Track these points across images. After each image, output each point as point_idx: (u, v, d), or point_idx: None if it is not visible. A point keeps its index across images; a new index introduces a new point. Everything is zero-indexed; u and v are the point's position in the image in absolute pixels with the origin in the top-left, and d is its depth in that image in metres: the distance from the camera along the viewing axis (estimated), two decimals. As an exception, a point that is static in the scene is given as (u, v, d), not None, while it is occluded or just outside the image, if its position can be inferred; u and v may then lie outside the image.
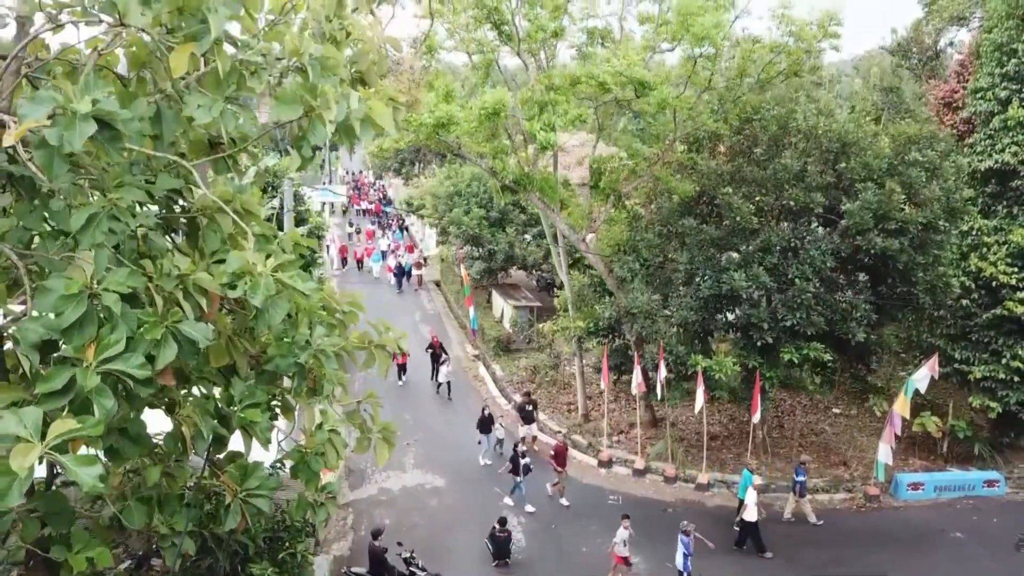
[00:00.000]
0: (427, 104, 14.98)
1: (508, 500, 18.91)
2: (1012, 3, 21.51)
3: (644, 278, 19.37)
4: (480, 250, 34.46)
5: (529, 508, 18.69)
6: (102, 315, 4.45)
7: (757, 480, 17.49)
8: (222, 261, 6.10)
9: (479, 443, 21.23)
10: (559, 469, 19.06)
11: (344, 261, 43.37)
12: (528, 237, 35.38)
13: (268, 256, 5.59)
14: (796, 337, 18.18)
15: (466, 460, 21.60)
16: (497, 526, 16.32)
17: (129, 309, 4.63)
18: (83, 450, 4.15)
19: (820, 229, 19.49)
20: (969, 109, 22.65)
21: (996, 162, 20.90)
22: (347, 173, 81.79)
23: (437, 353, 26.42)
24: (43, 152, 4.04)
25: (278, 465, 13.31)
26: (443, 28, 18.57)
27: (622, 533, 15.58)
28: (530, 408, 21.93)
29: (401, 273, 39.01)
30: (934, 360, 18.43)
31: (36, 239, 5.07)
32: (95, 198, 5.11)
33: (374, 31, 6.38)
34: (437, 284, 41.50)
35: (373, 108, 6.14)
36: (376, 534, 15.29)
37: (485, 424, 21.05)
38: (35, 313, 4.52)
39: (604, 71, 15.95)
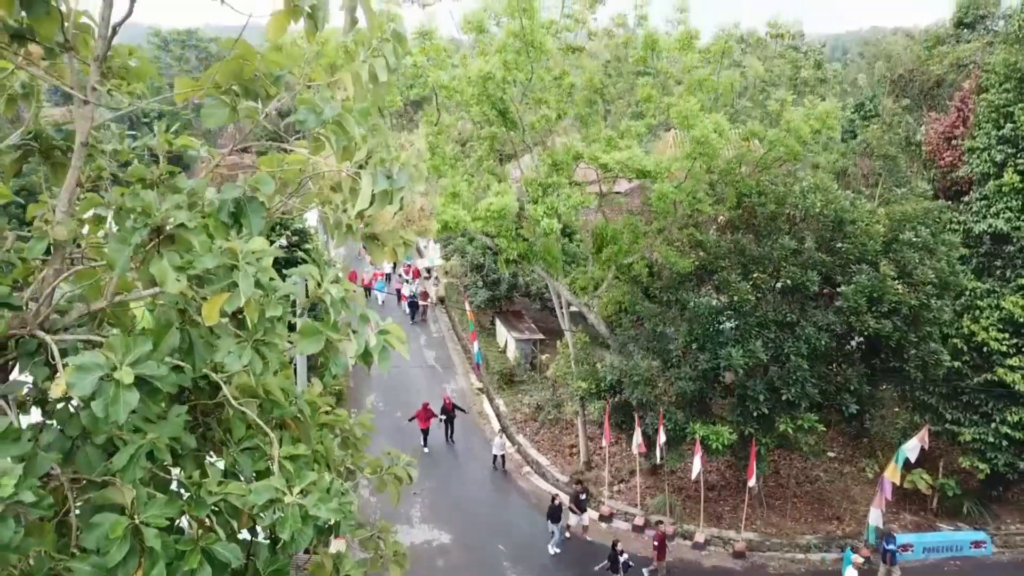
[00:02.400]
0: (436, 206, 15.46)
1: None
2: (1011, 65, 21.82)
3: (644, 344, 19.94)
4: (484, 279, 34.99)
5: None
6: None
7: (857, 559, 18.01)
8: (249, 449, 6.77)
9: (550, 533, 20.49)
10: (659, 560, 18.99)
11: None
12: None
13: (293, 459, 6.23)
14: (791, 407, 18.78)
15: (469, 512, 22.36)
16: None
17: (167, 538, 5.27)
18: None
19: (816, 286, 19.94)
20: (966, 168, 23.06)
21: (990, 226, 21.35)
22: None
23: (452, 415, 26.25)
24: (88, 415, 4.61)
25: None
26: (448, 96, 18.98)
27: None
28: (584, 497, 21.44)
29: (414, 303, 39.09)
30: (924, 432, 19.03)
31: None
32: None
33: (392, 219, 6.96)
34: (441, 300, 42.02)
35: (390, 336, 6.77)
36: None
37: (555, 513, 20.34)
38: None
39: (608, 158, 16.43)
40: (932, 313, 18.40)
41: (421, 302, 39.24)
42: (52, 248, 5.72)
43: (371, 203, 6.69)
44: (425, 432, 25.33)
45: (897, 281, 17.93)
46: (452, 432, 26.49)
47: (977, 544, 20.72)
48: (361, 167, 6.50)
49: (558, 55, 19.00)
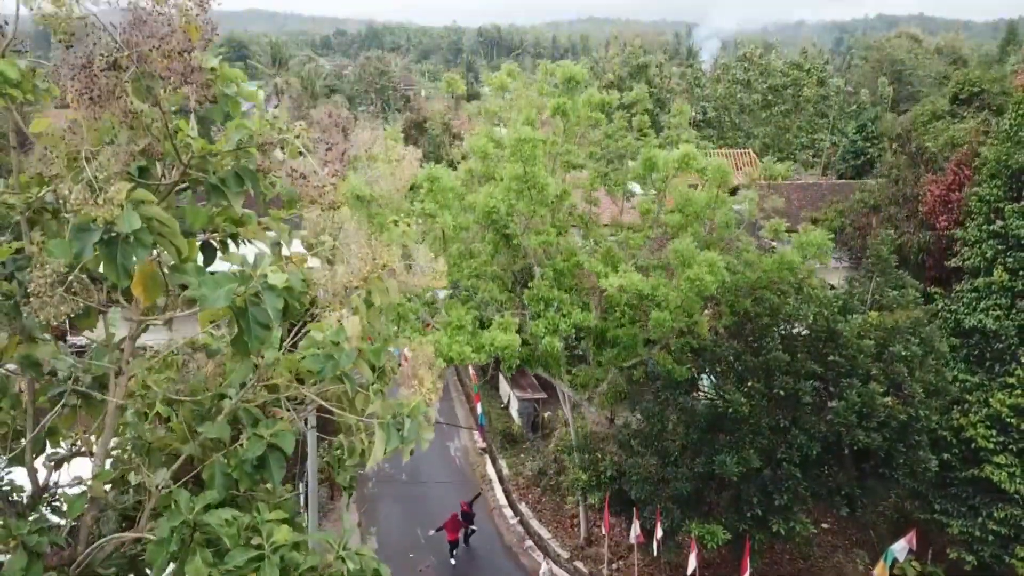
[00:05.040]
0: (439, 345, 16.10)
1: None
2: (1002, 161, 22.35)
3: (643, 442, 20.65)
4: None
5: None
6: None
7: None
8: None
9: None
10: None
11: None
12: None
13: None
14: (785, 509, 19.49)
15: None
16: None
17: None
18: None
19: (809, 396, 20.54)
20: (957, 260, 23.62)
21: (979, 322, 21.94)
22: None
23: (470, 515, 25.31)
24: None
25: None
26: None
27: None
28: None
29: None
30: (912, 534, 19.74)
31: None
32: None
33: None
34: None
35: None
36: None
37: None
38: None
39: (607, 283, 17.11)
40: (920, 423, 19.08)
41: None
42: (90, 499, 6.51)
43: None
44: (453, 543, 24.53)
45: (887, 396, 18.59)
46: (469, 536, 25.62)
47: (963, 635, 21.43)
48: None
49: (559, 172, 19.74)
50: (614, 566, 24.50)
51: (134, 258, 5.25)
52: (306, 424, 17.20)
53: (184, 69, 5.34)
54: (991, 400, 21.19)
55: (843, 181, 54.01)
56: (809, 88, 72.72)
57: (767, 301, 19.57)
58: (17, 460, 6.71)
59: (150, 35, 5.23)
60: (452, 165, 22.79)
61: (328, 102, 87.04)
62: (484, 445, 32.06)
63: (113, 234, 5.20)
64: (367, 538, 25.63)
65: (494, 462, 30.85)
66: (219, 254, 6.22)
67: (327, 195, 5.90)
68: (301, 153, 6.01)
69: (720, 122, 72.72)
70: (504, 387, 35.56)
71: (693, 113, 68.86)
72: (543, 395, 33.51)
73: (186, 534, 5.77)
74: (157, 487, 6.29)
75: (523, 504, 27.88)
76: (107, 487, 6.38)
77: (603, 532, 24.92)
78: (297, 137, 6.04)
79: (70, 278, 5.74)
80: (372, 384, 6.62)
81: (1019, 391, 20.87)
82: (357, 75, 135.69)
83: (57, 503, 6.81)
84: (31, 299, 5.46)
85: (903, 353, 18.99)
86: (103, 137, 5.53)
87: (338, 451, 7.76)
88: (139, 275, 5.56)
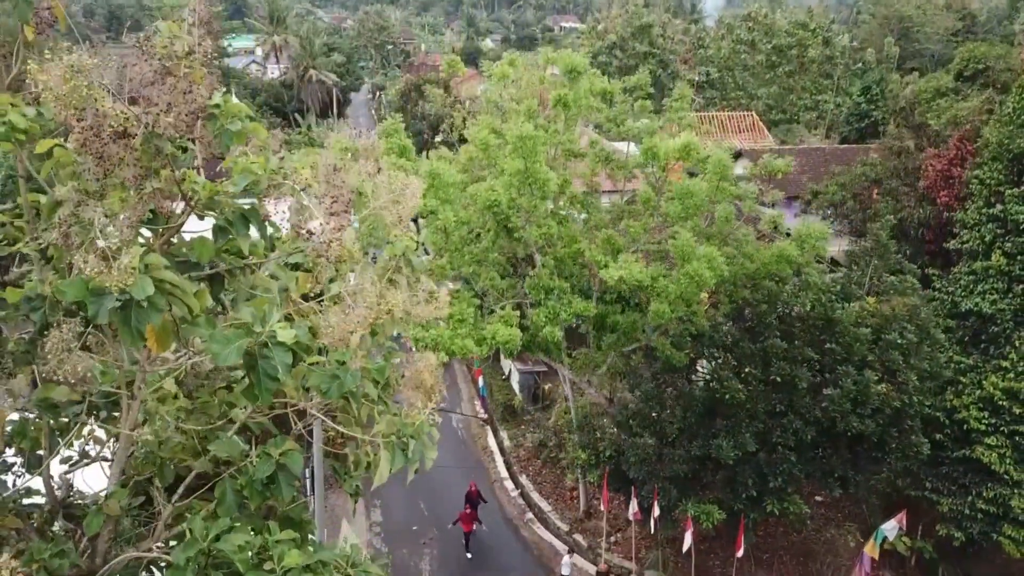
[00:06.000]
0: (440, 339, 16.30)
1: None
2: (1003, 145, 22.30)
3: (641, 423, 21.04)
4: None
5: None
6: None
7: None
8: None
9: None
10: None
11: None
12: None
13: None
14: (780, 491, 19.98)
15: (479, 564, 23.87)
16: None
17: None
18: None
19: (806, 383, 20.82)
20: (956, 242, 23.70)
21: (976, 305, 22.14)
22: None
23: (476, 503, 25.09)
24: None
25: None
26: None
27: None
28: None
29: None
30: (902, 515, 20.25)
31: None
32: None
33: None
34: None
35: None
36: None
37: None
38: None
39: (606, 274, 17.30)
40: (914, 409, 19.43)
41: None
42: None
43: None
44: (468, 535, 24.57)
45: (881, 384, 18.89)
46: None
47: (949, 609, 22.13)
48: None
49: (560, 159, 19.77)
50: (612, 539, 25.17)
51: (148, 322, 5.41)
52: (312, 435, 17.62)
53: (191, 126, 5.49)
54: (984, 382, 21.49)
55: (846, 146, 53.65)
56: (814, 48, 71.77)
57: (765, 289, 19.78)
58: (34, 468, 7.05)
59: (157, 101, 5.32)
60: (451, 145, 22.77)
61: (327, 61, 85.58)
62: (486, 417, 32.59)
63: (127, 298, 5.33)
64: (371, 512, 26.29)
65: (495, 434, 31.41)
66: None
67: (332, 250, 6.04)
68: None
69: (723, 83, 71.92)
70: (505, 360, 35.96)
71: (696, 76, 67.99)
72: (544, 368, 33.89)
73: (201, 562, 6.11)
74: (171, 501, 6.65)
75: (524, 476, 28.48)
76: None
77: (602, 507, 25.56)
78: (303, 190, 6.19)
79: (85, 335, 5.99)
80: (376, 402, 6.90)
81: (1012, 374, 21.16)
82: (356, 30, 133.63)
83: (72, 500, 7.18)
84: (48, 357, 5.69)
85: (899, 341, 19.25)
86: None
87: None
88: (151, 328, 5.72)
